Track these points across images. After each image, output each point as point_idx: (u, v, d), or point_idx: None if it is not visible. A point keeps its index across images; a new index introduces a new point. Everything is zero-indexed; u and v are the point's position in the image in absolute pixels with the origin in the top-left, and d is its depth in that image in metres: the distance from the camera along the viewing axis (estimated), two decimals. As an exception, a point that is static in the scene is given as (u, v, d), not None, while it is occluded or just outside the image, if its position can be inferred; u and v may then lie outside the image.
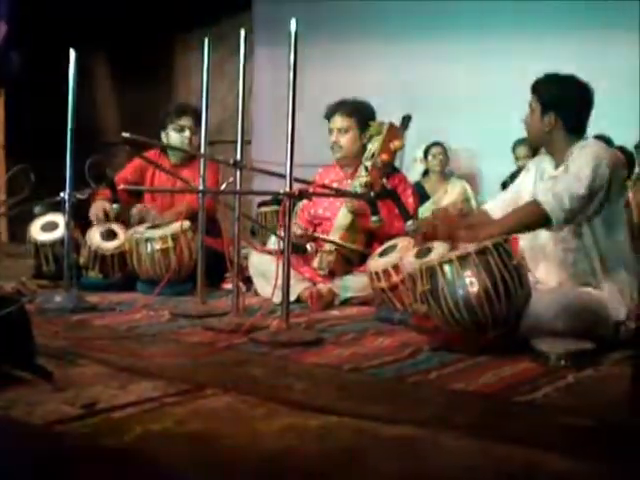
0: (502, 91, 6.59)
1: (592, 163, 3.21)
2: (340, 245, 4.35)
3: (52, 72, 5.20)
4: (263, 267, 4.33)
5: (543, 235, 3.38)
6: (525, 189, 3.51)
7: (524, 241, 3.49)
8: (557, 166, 3.38)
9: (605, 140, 4.74)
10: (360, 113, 4.57)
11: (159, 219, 4.79)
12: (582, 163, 3.23)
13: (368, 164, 4.31)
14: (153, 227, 4.66)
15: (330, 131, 4.61)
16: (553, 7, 6.66)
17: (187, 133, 5.01)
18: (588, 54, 6.34)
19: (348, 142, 4.55)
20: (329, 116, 4.62)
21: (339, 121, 4.57)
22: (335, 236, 4.37)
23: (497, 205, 3.60)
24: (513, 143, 6.80)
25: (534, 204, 3.24)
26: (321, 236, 4.49)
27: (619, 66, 6.25)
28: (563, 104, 3.36)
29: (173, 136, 5.02)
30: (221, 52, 7.53)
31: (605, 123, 3.75)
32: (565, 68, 3.42)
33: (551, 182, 3.31)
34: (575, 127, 3.38)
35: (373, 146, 4.35)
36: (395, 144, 4.33)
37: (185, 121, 5.01)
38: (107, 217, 4.76)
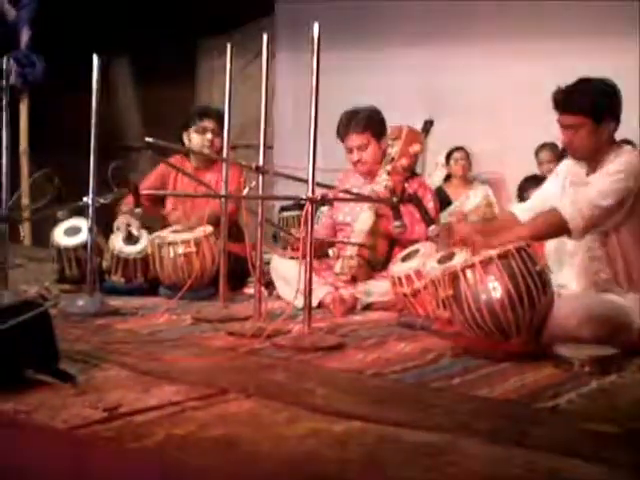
0: (525, 95, 6.57)
1: (621, 174, 3.16)
2: (343, 243, 4.34)
3: (75, 76, 5.23)
4: (285, 271, 4.33)
5: (569, 241, 3.35)
6: (553, 193, 3.45)
7: (550, 245, 3.46)
8: (590, 170, 3.32)
9: (629, 144, 4.68)
10: (373, 124, 4.53)
11: (184, 223, 4.78)
12: (611, 172, 3.18)
13: (388, 168, 4.30)
14: (176, 232, 4.66)
15: (349, 150, 4.54)
16: (573, 9, 6.66)
17: (209, 135, 4.97)
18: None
19: (370, 156, 4.50)
20: (342, 135, 4.55)
21: (356, 139, 4.50)
22: (356, 240, 4.35)
23: (525, 210, 3.55)
24: (536, 147, 6.76)
25: (554, 212, 3.21)
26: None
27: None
28: (615, 108, 3.27)
29: (195, 138, 4.99)
30: (243, 57, 7.55)
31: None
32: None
33: (579, 189, 3.26)
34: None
35: (393, 150, 4.34)
36: (414, 148, 4.32)
37: (207, 123, 4.98)
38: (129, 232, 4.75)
